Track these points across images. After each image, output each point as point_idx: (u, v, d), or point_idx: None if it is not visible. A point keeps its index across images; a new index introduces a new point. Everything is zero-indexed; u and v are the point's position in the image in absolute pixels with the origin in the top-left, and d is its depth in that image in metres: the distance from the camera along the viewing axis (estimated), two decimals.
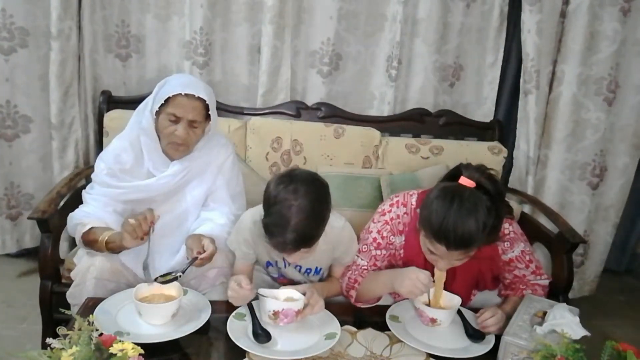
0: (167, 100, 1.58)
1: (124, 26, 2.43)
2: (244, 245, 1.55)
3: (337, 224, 1.54)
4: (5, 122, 2.40)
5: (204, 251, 1.51)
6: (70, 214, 1.64)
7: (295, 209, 1.31)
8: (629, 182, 2.66)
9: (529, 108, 2.49)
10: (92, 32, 2.37)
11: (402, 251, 1.58)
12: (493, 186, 1.39)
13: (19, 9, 2.27)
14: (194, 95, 1.57)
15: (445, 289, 1.48)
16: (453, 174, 1.44)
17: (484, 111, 2.66)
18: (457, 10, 2.50)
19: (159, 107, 1.59)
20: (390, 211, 1.58)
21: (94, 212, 1.60)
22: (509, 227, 1.55)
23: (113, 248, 1.51)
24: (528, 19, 2.39)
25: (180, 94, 1.56)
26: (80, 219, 1.58)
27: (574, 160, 2.58)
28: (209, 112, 1.64)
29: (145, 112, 1.64)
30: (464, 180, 1.38)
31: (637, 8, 2.42)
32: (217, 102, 2.39)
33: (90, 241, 1.55)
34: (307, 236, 1.34)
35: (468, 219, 1.29)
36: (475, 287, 1.65)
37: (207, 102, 1.60)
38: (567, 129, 2.52)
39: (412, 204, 1.56)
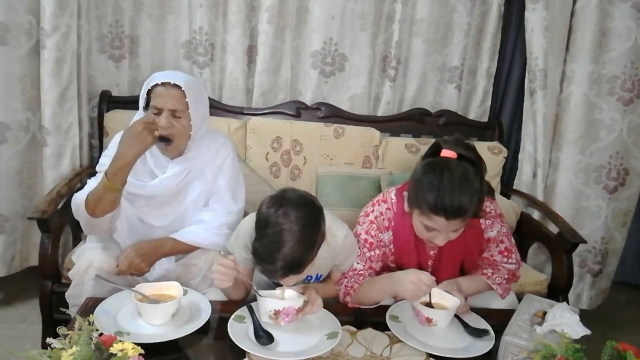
0: (150, 95, 1.59)
1: (118, 26, 2.42)
2: (243, 250, 1.52)
3: (339, 233, 1.52)
4: None
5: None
6: (74, 196, 1.60)
7: (286, 234, 1.27)
8: None
9: (535, 108, 2.39)
10: (88, 32, 2.34)
11: (392, 246, 1.60)
12: (472, 154, 1.46)
13: None
14: (170, 82, 1.57)
15: (433, 271, 1.52)
16: (433, 151, 1.49)
17: (481, 111, 2.64)
18: (455, 10, 2.50)
19: (147, 104, 1.61)
20: (373, 211, 1.60)
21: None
22: (490, 206, 1.58)
23: (116, 176, 1.47)
24: (531, 17, 2.32)
25: (158, 84, 1.58)
26: (82, 198, 1.55)
27: (588, 163, 2.46)
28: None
29: (139, 110, 1.66)
30: (446, 153, 1.43)
31: None
32: (217, 101, 2.43)
33: (96, 200, 1.50)
34: (296, 263, 1.30)
35: (461, 187, 1.34)
36: (461, 265, 1.64)
37: (183, 89, 1.58)
38: (580, 130, 2.42)
39: (392, 198, 1.59)
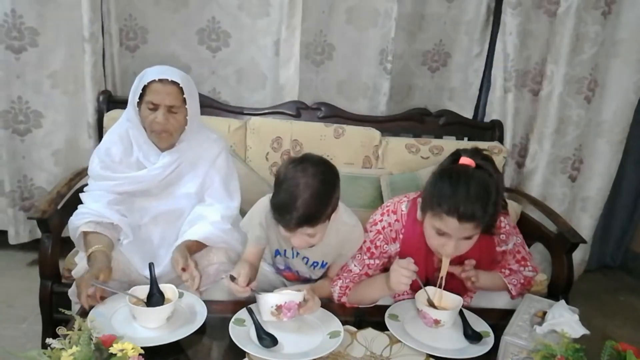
0: (145, 90, 1.61)
1: (132, 19, 2.49)
2: (257, 228, 1.57)
3: (350, 221, 1.57)
4: (17, 117, 2.48)
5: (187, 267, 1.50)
6: (70, 219, 1.64)
7: (302, 186, 1.35)
8: (611, 177, 2.76)
9: (507, 105, 2.58)
10: (108, 30, 2.44)
11: (397, 258, 1.58)
12: (491, 166, 1.45)
13: (29, 10, 2.35)
14: (167, 79, 1.59)
15: (446, 286, 1.48)
16: (452, 159, 1.48)
17: (468, 99, 2.70)
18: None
19: (140, 98, 1.62)
20: (381, 220, 1.58)
21: (89, 210, 1.61)
22: (505, 221, 1.57)
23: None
24: (510, 21, 2.47)
25: (155, 80, 1.59)
26: (77, 224, 1.59)
27: (557, 155, 2.67)
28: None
29: (129, 105, 1.67)
30: (465, 160, 1.41)
31: (615, 11, 2.50)
32: (218, 101, 2.43)
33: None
34: (312, 214, 1.36)
35: (478, 192, 1.33)
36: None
37: (181, 86, 1.61)
38: (554, 126, 2.60)
39: (402, 210, 1.56)
